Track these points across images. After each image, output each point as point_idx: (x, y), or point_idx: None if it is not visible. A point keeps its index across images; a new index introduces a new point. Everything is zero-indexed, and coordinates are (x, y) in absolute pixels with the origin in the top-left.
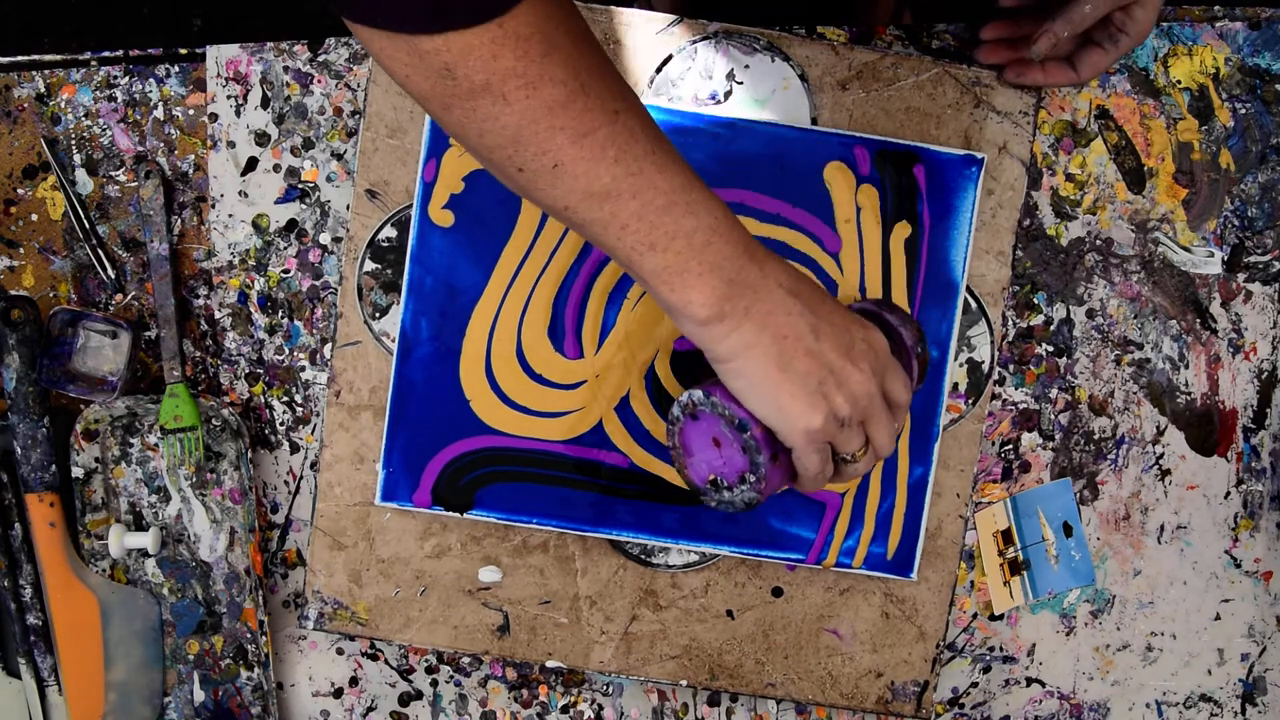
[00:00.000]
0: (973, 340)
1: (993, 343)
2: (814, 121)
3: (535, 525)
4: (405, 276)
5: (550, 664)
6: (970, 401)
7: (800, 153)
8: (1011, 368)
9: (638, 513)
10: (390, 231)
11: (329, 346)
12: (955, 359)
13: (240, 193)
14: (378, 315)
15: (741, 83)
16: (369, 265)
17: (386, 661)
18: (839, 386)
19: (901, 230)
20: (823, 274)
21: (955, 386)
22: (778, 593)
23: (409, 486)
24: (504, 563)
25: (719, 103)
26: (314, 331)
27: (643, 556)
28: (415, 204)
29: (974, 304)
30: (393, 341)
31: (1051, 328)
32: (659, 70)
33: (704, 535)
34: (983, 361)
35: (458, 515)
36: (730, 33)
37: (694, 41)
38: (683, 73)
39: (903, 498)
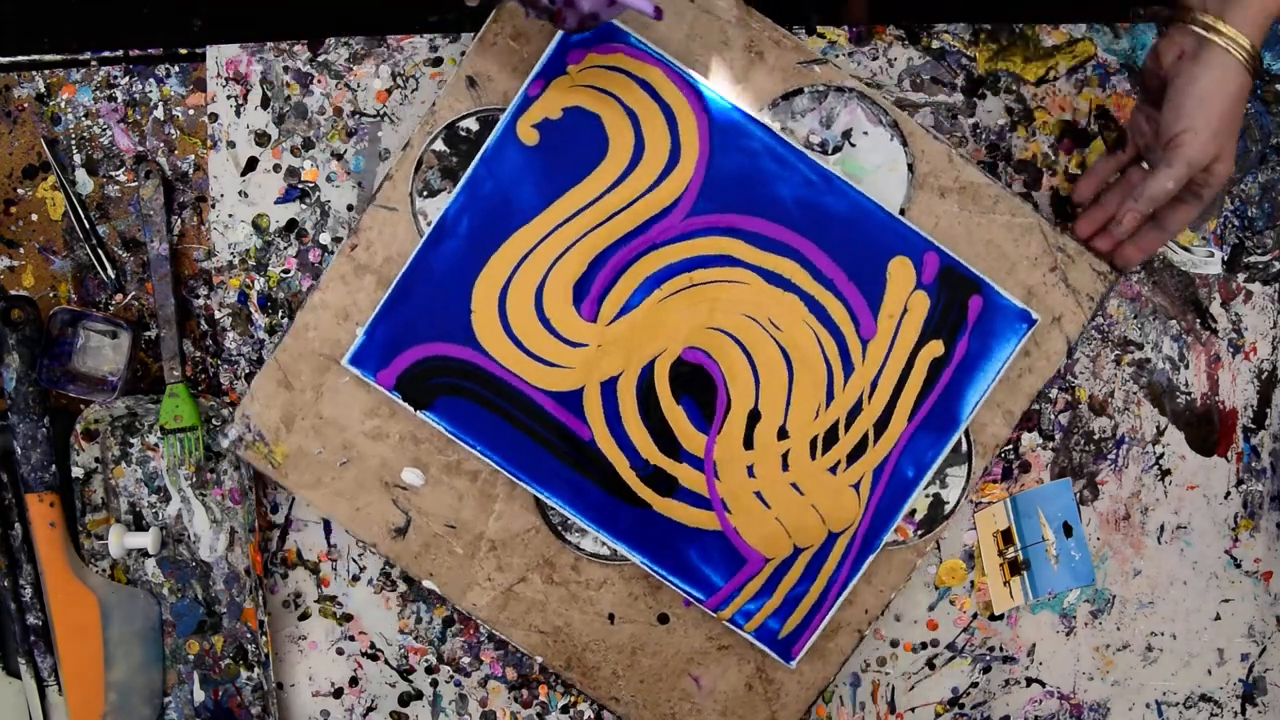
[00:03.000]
0: (947, 478)
1: (963, 491)
2: (902, 212)
3: (477, 452)
4: (469, 170)
5: (426, 584)
6: (919, 533)
7: (878, 234)
8: None
9: (575, 486)
10: (473, 124)
11: (365, 208)
12: (925, 487)
13: (240, 193)
14: (425, 193)
15: (855, 145)
16: (439, 145)
17: (386, 661)
18: None
19: (933, 348)
20: (846, 353)
21: (913, 513)
22: (664, 619)
23: (379, 363)
24: (430, 473)
25: (825, 153)
26: None
27: (559, 527)
28: (508, 111)
29: (965, 447)
30: (428, 224)
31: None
32: (786, 98)
33: (624, 535)
34: (947, 503)
35: (411, 410)
36: (865, 95)
37: (829, 86)
38: (806, 110)
39: (818, 589)
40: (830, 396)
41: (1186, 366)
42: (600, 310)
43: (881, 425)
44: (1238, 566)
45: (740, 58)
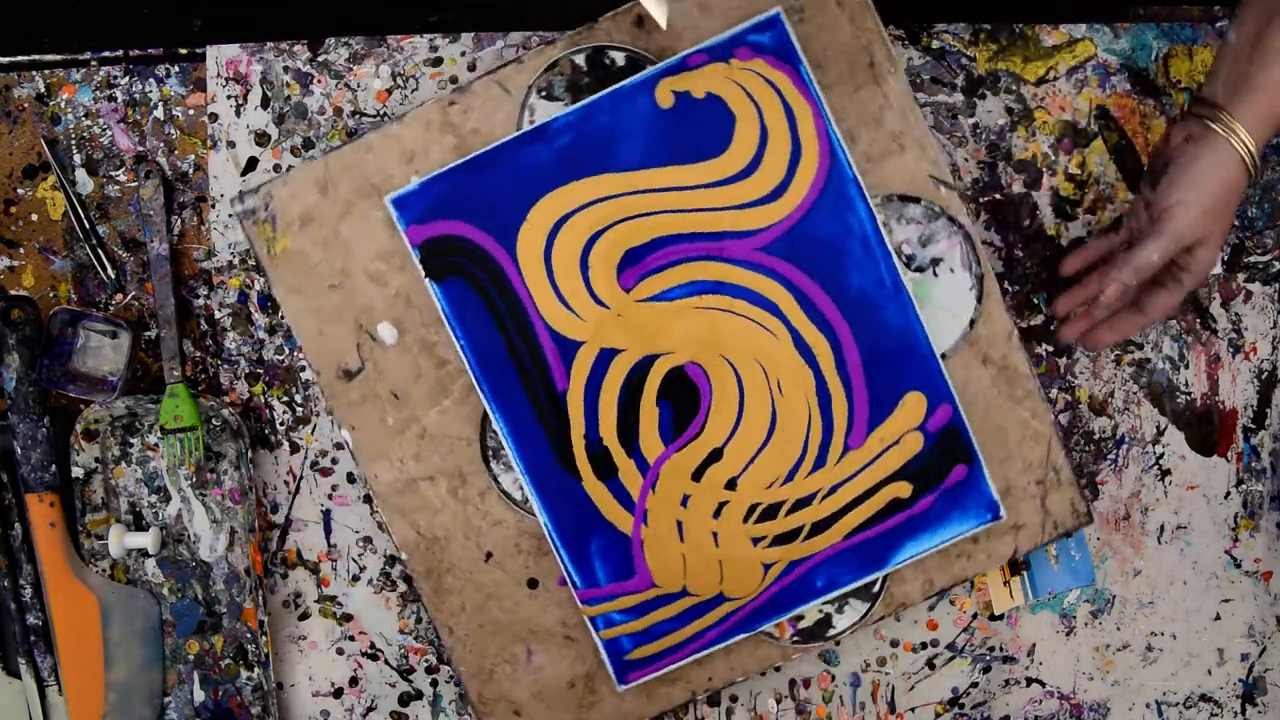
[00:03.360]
0: (846, 607)
1: (852, 626)
2: (943, 356)
3: (458, 344)
4: (594, 97)
5: (343, 433)
6: (794, 639)
7: (912, 363)
8: None
9: (526, 423)
10: (621, 59)
11: (483, 77)
12: (824, 604)
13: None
14: (543, 93)
15: (937, 275)
16: (580, 60)
17: (386, 661)
18: None
19: (900, 489)
20: (826, 449)
21: (800, 618)
22: (533, 584)
23: (417, 216)
24: (405, 339)
25: (909, 267)
26: None
27: (490, 451)
28: (659, 66)
29: (876, 589)
30: (530, 121)
31: (1051, 328)
32: (902, 199)
33: (543, 490)
34: (834, 628)
35: (421, 273)
36: (971, 239)
37: (944, 211)
38: (913, 219)
39: (682, 636)
40: (790, 478)
41: (1186, 366)
42: (637, 285)
43: (819, 528)
44: (1238, 566)
45: (883, 141)
